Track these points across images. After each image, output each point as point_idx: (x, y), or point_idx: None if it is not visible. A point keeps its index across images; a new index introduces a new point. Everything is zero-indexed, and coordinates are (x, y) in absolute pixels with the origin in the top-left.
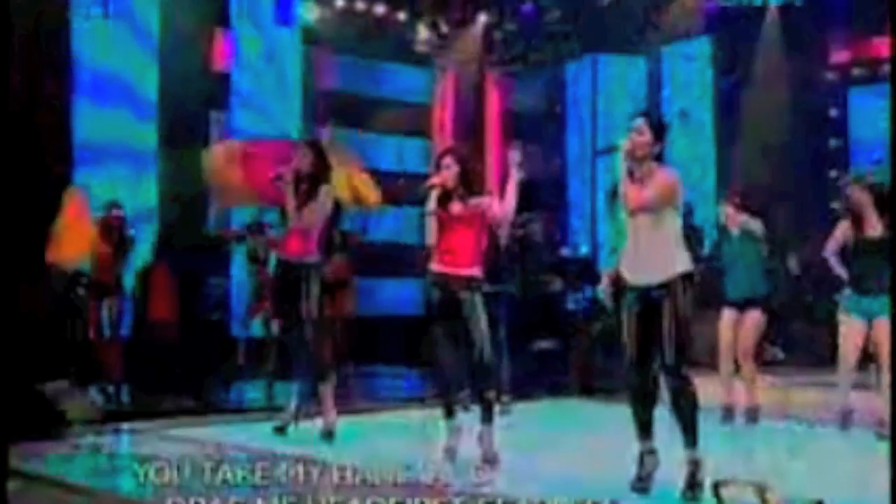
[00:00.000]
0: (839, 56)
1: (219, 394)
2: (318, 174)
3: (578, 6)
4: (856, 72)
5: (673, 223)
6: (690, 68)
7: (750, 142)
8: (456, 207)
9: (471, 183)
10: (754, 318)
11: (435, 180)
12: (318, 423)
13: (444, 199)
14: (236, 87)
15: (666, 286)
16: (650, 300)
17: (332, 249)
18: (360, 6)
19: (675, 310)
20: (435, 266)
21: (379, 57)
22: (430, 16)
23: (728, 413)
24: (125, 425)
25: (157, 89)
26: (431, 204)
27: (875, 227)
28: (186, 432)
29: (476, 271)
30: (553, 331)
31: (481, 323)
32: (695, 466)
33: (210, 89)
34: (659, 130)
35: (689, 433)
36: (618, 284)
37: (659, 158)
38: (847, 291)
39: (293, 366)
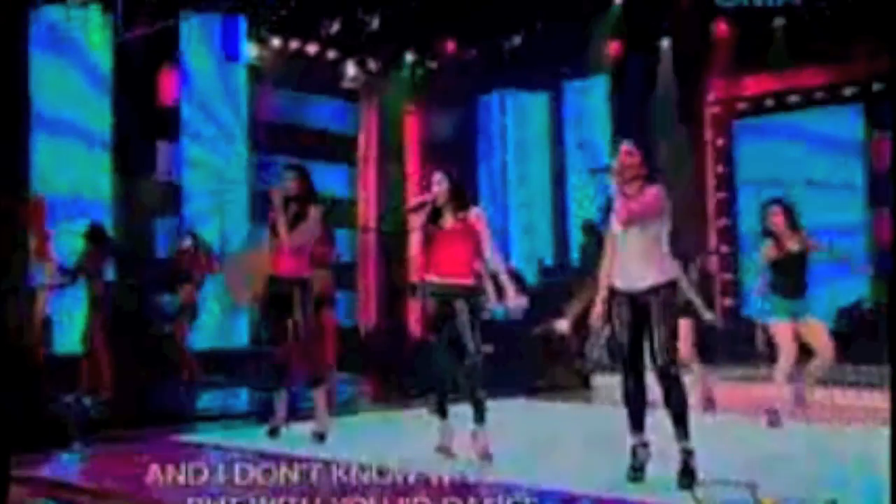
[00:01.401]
0: (723, 92)
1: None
2: (306, 196)
3: (491, 47)
4: (739, 105)
5: (660, 235)
6: (588, 103)
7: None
8: (448, 222)
9: (460, 198)
10: (686, 323)
11: (427, 197)
12: (309, 425)
13: (436, 214)
14: (185, 119)
15: (655, 291)
16: (640, 305)
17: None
18: (295, 45)
19: (664, 314)
20: (430, 277)
21: (311, 91)
22: (359, 55)
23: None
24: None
25: (109, 123)
26: (419, 219)
27: (794, 242)
28: (184, 438)
29: (470, 280)
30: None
31: (475, 329)
32: (688, 455)
33: (159, 122)
34: (647, 152)
35: (681, 426)
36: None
37: (649, 177)
38: (773, 297)
39: (280, 375)
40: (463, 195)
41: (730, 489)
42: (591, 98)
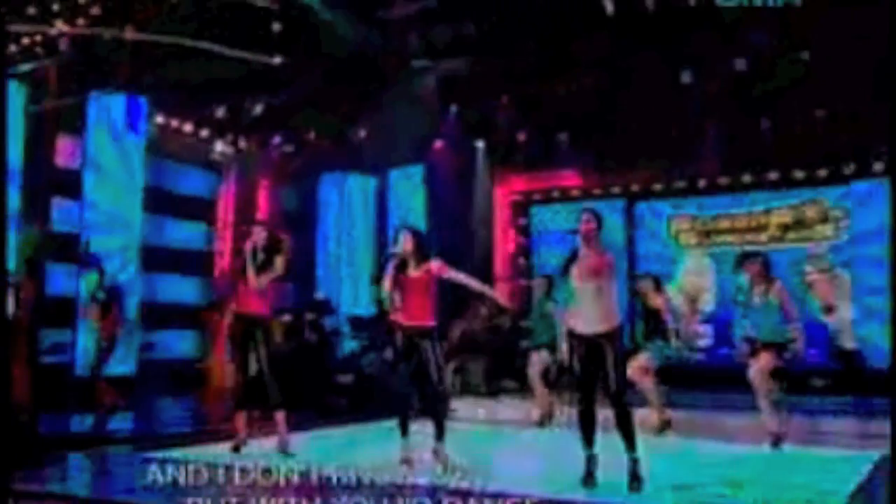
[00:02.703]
0: (523, 185)
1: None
2: (272, 247)
3: (341, 136)
4: (536, 196)
5: (612, 288)
6: (409, 188)
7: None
8: (413, 273)
9: (422, 252)
10: (543, 356)
11: (396, 250)
12: (271, 441)
13: (403, 265)
14: (86, 181)
15: (608, 335)
16: (594, 345)
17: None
18: (175, 123)
19: (615, 352)
20: (399, 318)
21: (185, 161)
22: (230, 134)
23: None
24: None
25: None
26: (392, 267)
27: (657, 301)
28: (155, 454)
29: (431, 322)
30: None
31: (439, 361)
32: (635, 464)
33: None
34: (600, 221)
35: (630, 440)
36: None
37: (599, 241)
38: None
39: (243, 397)
40: (424, 250)
41: None
42: (412, 183)
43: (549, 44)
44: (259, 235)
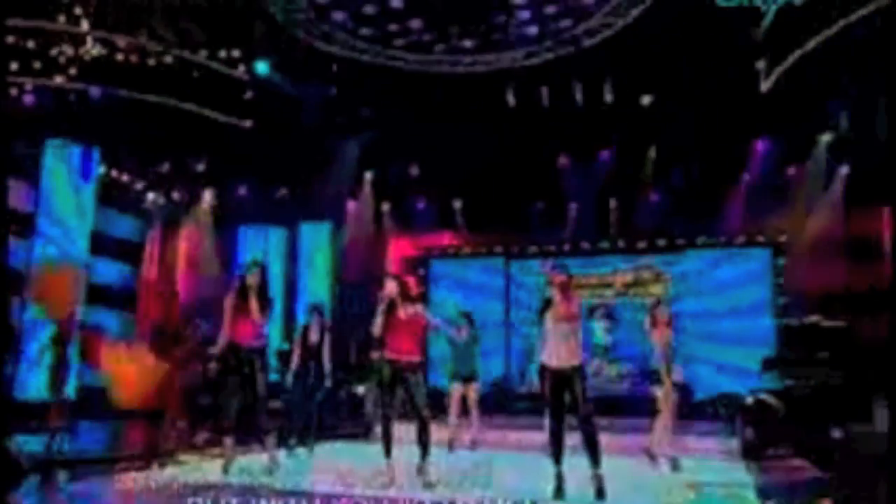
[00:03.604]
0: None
1: None
2: (265, 286)
3: (262, 194)
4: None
5: (579, 329)
6: (318, 239)
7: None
8: (401, 313)
9: (408, 296)
10: (476, 386)
11: (385, 294)
12: (260, 460)
13: (391, 306)
14: (41, 222)
15: (576, 368)
16: (565, 377)
17: None
18: (114, 174)
19: (583, 383)
20: (388, 354)
21: (120, 210)
22: (167, 187)
23: (451, 445)
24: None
25: None
26: (382, 308)
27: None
28: (146, 474)
29: (417, 357)
30: None
31: (424, 391)
32: (600, 480)
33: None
34: (569, 274)
35: (595, 457)
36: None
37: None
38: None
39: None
40: (409, 294)
41: None
42: (320, 236)
43: (450, 128)
44: (259, 275)
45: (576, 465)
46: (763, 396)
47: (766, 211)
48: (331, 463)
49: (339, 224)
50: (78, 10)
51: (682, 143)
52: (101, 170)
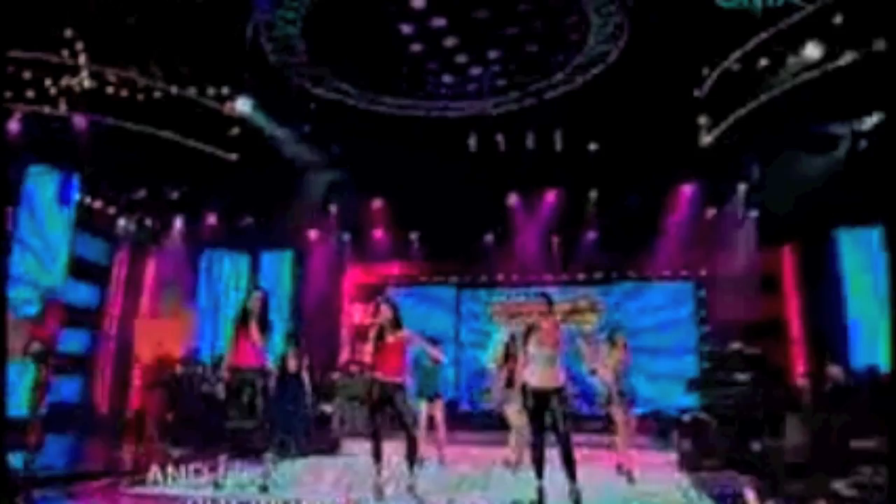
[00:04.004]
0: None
1: None
2: (265, 311)
3: (230, 224)
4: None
5: (560, 354)
6: (279, 269)
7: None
8: (390, 338)
9: (397, 323)
10: (440, 404)
11: (377, 319)
12: (245, 477)
13: (381, 331)
14: (22, 239)
15: (556, 390)
16: (546, 397)
17: None
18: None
19: (563, 403)
20: (377, 374)
21: (92, 233)
22: (140, 213)
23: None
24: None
25: None
26: (373, 335)
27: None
28: (141, 489)
29: (403, 378)
30: None
31: (410, 409)
32: (577, 495)
33: None
34: (551, 303)
35: (572, 472)
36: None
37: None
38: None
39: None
40: (399, 321)
41: None
42: (282, 264)
43: (414, 165)
44: (260, 300)
45: (530, 479)
46: (699, 414)
47: (690, 248)
48: (314, 476)
49: (301, 252)
50: (78, 45)
51: (621, 187)
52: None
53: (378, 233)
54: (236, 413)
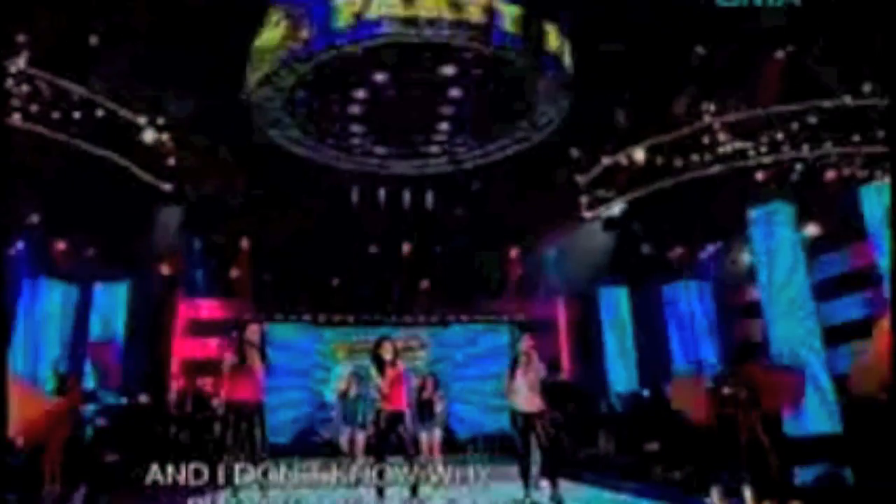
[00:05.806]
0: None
1: None
2: (264, 343)
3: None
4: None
5: (540, 382)
6: (113, 300)
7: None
8: (392, 372)
9: (397, 358)
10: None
11: (385, 356)
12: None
13: (384, 366)
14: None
15: (540, 413)
16: (532, 419)
17: None
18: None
19: (544, 423)
20: (383, 405)
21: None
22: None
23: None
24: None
25: None
26: (374, 370)
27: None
28: None
29: (404, 408)
30: None
31: (412, 435)
32: (560, 501)
33: None
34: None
35: (555, 482)
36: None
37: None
38: None
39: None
40: (398, 356)
41: None
42: (116, 296)
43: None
44: (259, 332)
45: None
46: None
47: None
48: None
49: (139, 285)
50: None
51: (460, 245)
52: None
53: (230, 270)
54: (230, 448)
